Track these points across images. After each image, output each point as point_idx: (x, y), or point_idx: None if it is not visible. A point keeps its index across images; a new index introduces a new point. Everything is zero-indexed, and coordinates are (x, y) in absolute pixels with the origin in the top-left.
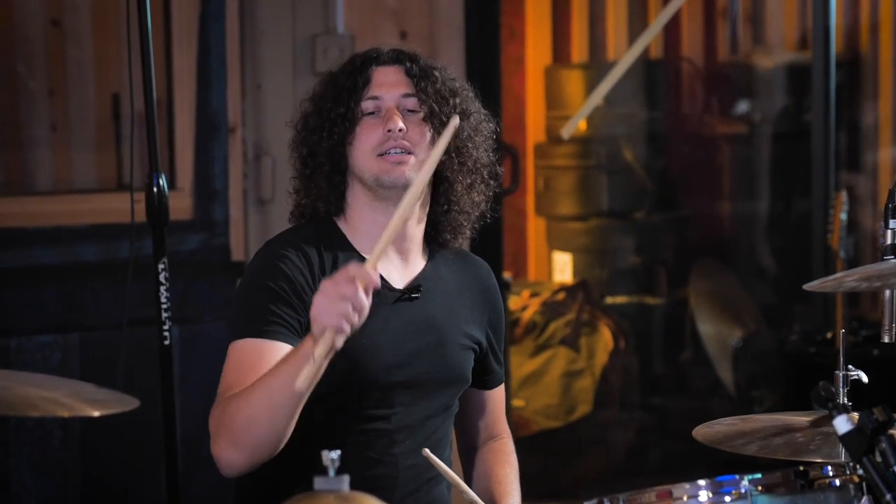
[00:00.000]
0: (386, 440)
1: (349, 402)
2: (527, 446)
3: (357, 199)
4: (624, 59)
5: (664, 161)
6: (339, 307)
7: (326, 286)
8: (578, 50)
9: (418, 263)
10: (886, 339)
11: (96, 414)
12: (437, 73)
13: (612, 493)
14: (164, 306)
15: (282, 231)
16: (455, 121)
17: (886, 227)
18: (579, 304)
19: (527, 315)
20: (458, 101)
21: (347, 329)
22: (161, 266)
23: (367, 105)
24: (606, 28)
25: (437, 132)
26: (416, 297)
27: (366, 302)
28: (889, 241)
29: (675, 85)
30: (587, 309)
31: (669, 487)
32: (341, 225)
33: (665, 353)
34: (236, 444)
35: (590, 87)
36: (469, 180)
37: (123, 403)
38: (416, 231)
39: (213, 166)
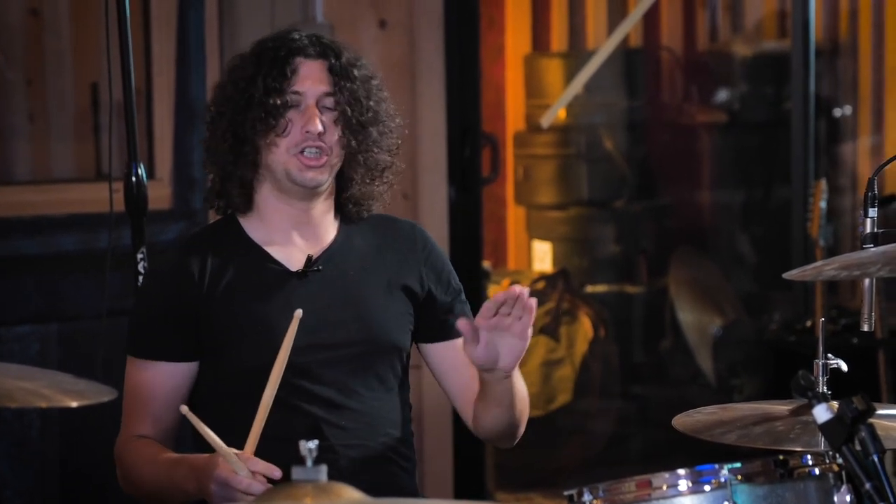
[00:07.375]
0: (317, 424)
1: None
2: None
3: (262, 192)
4: (603, 47)
5: (644, 150)
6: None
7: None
8: (558, 38)
9: (326, 240)
10: (865, 328)
11: (75, 405)
12: (356, 72)
13: (592, 482)
14: None
15: (180, 239)
16: (298, 312)
17: (866, 215)
18: (559, 292)
19: None
20: (371, 103)
21: None
22: (140, 256)
23: (289, 98)
24: (586, 17)
25: (347, 132)
26: (318, 270)
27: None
28: (868, 229)
29: (655, 73)
30: (567, 298)
31: (649, 477)
32: (241, 218)
33: (645, 342)
34: (128, 489)
35: (569, 75)
36: (367, 177)
37: (102, 394)
38: (325, 215)
39: (192, 155)
